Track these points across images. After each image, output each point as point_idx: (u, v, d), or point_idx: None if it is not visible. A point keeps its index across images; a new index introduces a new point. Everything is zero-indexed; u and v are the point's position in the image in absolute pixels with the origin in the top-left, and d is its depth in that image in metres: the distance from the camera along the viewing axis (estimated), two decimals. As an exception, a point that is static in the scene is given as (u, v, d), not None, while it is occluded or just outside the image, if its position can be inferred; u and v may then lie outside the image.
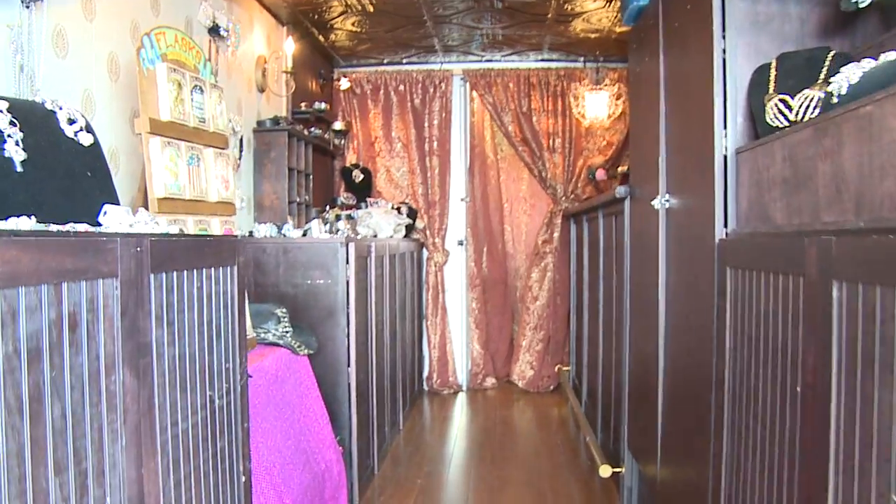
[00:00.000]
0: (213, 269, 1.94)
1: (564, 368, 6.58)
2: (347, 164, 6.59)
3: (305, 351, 3.32)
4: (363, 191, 6.43)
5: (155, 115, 2.70)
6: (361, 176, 6.48)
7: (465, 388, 6.69)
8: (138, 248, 1.53)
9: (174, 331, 1.72)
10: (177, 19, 3.55)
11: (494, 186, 7.01)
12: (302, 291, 3.63)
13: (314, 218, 4.62)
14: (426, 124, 6.55)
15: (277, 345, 3.22)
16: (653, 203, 3.01)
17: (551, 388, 6.63)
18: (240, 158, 4.37)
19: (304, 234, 3.86)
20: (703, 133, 2.39)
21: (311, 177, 5.22)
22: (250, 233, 3.93)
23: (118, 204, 2.19)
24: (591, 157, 6.59)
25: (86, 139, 2.15)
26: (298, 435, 3.10)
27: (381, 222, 5.81)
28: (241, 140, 4.37)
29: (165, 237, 1.70)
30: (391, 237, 5.71)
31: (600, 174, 6.41)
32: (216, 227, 3.00)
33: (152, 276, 1.60)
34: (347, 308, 3.65)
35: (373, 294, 4.09)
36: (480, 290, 6.75)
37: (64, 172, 2.05)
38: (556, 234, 6.62)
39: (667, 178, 2.94)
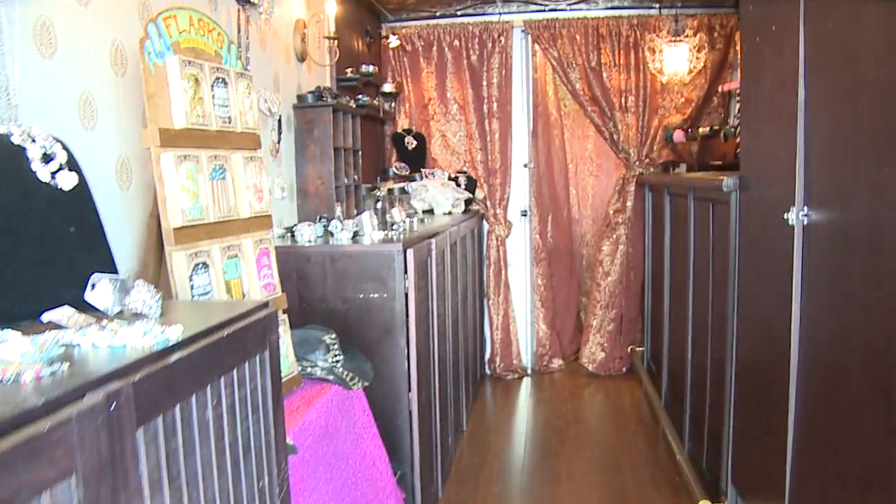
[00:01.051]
0: (235, 370, 1.43)
1: (638, 349, 6.03)
2: (399, 130, 5.99)
3: (360, 384, 2.83)
4: (417, 159, 5.85)
5: (167, 124, 2.17)
6: (415, 142, 5.90)
7: (529, 370, 6.17)
8: (111, 407, 1.01)
9: (181, 482, 1.22)
10: (198, -11, 2.99)
11: (559, 147, 6.38)
12: (354, 307, 3.12)
13: (364, 210, 4.08)
14: (484, 83, 5.88)
15: (326, 380, 2.74)
16: (786, 217, 2.39)
17: (623, 370, 6.08)
18: (279, 142, 3.83)
19: (355, 236, 3.32)
20: (891, 134, 1.76)
21: (359, 153, 4.66)
22: (292, 234, 3.41)
23: (113, 266, 1.68)
24: (667, 115, 5.88)
25: (67, 181, 1.63)
26: (353, 490, 2.63)
27: (437, 196, 5.27)
28: (279, 120, 3.83)
29: (159, 359, 1.18)
30: (449, 213, 5.17)
31: (678, 136, 5.72)
32: (249, 248, 2.49)
33: (141, 429, 1.10)
34: (407, 324, 3.13)
35: (434, 301, 3.56)
36: (546, 265, 6.16)
37: (36, 233, 1.53)
38: (628, 203, 5.95)
39: (807, 186, 2.32)
